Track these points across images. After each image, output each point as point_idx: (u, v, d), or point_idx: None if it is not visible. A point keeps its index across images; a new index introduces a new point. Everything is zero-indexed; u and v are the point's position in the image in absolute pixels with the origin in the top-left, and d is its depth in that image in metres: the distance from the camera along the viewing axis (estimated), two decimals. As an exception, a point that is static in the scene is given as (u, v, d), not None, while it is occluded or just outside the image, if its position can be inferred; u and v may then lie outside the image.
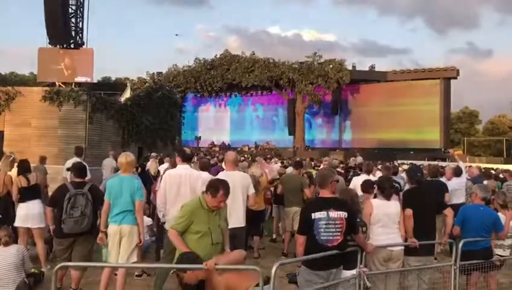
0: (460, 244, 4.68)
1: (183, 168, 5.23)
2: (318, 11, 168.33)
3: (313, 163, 13.35)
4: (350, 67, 36.63)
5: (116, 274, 5.00)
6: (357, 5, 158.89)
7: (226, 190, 3.73)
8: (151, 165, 9.10)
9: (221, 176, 4.90)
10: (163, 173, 5.88)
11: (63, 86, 15.40)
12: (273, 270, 3.11)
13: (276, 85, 37.49)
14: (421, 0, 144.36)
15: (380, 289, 4.45)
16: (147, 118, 16.62)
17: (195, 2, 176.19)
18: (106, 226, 4.79)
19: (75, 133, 13.12)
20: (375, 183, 5.29)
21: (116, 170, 8.09)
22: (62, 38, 16.32)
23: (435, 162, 23.23)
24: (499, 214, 5.29)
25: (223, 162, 7.21)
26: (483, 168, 16.79)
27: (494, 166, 24.93)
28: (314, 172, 8.65)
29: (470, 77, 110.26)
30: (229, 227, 4.22)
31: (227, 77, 37.69)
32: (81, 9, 17.08)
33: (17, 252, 4.86)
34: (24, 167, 6.32)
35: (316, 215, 3.81)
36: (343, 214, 3.85)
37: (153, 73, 40.74)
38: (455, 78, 36.44)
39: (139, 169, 8.25)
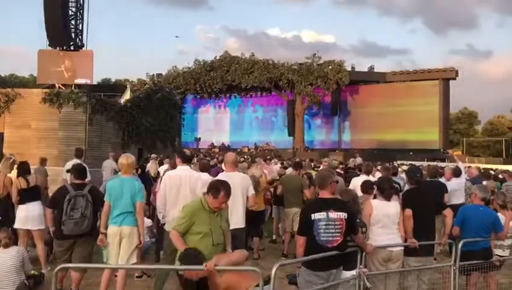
0: (459, 245, 4.68)
1: (183, 170, 5.24)
2: (317, 13, 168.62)
3: (312, 164, 13.37)
4: (349, 68, 36.65)
5: (116, 275, 5.01)
6: (356, 6, 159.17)
7: (227, 191, 3.73)
8: (151, 167, 9.11)
9: (221, 177, 4.90)
10: (163, 174, 5.89)
11: (63, 87, 15.41)
12: (273, 271, 3.11)
13: (276, 86, 37.50)
14: (420, 1, 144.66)
15: (380, 290, 4.46)
16: (147, 119, 16.64)
17: (195, 4, 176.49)
18: (106, 228, 4.80)
19: (75, 134, 13.13)
20: (374, 184, 5.30)
21: (116, 171, 8.11)
22: (62, 40, 16.33)
23: (434, 163, 23.24)
24: (499, 214, 5.29)
25: (223, 163, 7.23)
26: (483, 168, 16.81)
27: (494, 166, 24.97)
28: (313, 173, 8.65)
29: (469, 78, 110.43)
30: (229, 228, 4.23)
31: (226, 78, 37.69)
32: (81, 11, 17.10)
33: (17, 254, 4.86)
34: (24, 169, 6.32)
35: (315, 216, 3.81)
36: (342, 215, 3.86)
37: (153, 74, 40.74)
38: (454, 79, 36.44)
39: (139, 170, 8.28)
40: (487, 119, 62.26)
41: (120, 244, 4.77)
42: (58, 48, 16.51)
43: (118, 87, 37.47)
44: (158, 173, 8.46)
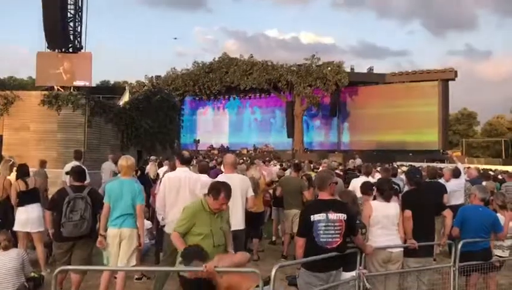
0: (459, 246, 4.69)
1: (182, 171, 5.24)
2: (316, 14, 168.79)
3: (311, 165, 13.35)
4: (348, 70, 36.72)
5: (115, 277, 5.01)
6: (355, 8, 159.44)
7: (228, 193, 3.74)
8: (150, 169, 9.11)
9: (220, 178, 4.90)
10: (163, 176, 5.89)
11: (62, 90, 15.39)
12: (272, 273, 3.11)
13: (275, 88, 37.54)
14: (419, 2, 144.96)
15: (380, 291, 4.46)
16: (146, 121, 16.62)
17: (193, 5, 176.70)
18: (105, 230, 4.80)
19: (74, 137, 13.09)
20: (374, 185, 5.30)
21: (115, 173, 8.10)
22: (61, 42, 16.31)
23: (434, 164, 23.25)
24: (498, 214, 5.30)
25: (222, 165, 7.23)
26: (482, 169, 16.84)
27: (493, 167, 25.00)
28: (313, 174, 8.66)
29: (468, 79, 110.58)
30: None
31: (225, 80, 37.73)
32: (80, 13, 17.08)
33: (17, 256, 4.85)
34: (23, 171, 6.32)
35: (315, 217, 3.81)
36: (342, 216, 3.86)
37: (152, 76, 40.82)
38: (453, 79, 36.50)
39: (139, 172, 8.27)
40: (486, 120, 62.34)
41: (120, 246, 4.76)
42: (56, 50, 16.48)
43: (116, 89, 37.51)
44: (157, 174, 8.46)
